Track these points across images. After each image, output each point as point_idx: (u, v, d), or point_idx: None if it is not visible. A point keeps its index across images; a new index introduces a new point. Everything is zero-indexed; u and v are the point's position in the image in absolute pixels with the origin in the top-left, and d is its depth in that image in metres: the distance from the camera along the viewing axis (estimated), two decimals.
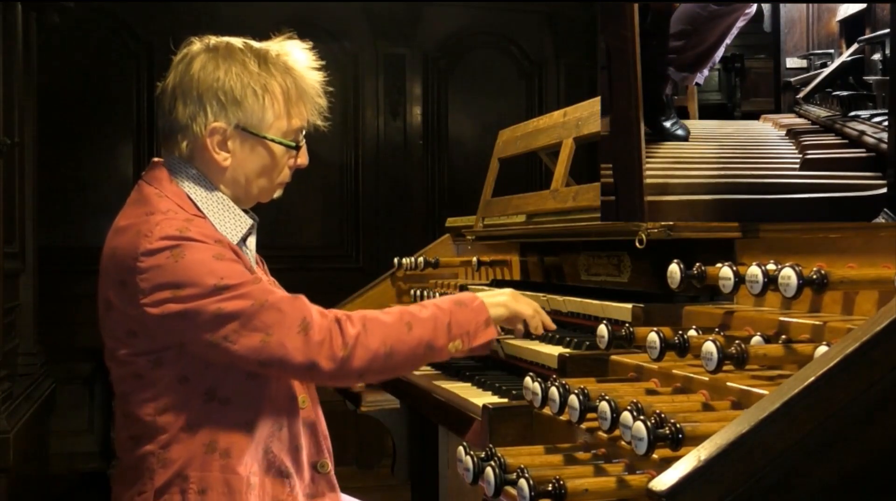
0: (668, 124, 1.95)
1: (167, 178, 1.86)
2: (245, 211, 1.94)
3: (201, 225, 1.80)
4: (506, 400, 1.94)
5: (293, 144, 1.91)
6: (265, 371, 1.80)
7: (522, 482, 1.34)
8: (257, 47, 1.90)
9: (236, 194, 1.91)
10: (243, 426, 1.83)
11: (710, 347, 1.41)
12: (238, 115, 1.84)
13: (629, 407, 1.35)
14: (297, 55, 1.93)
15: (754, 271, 1.48)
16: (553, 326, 2.13)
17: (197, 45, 1.89)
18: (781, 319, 1.56)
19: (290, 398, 1.91)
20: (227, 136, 1.84)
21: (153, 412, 1.80)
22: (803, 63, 1.86)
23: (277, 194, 1.99)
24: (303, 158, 1.96)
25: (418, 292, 2.97)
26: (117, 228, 1.83)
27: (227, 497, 1.79)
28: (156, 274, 1.72)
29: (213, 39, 1.89)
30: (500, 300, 2.02)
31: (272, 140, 1.88)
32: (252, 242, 1.98)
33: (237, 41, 1.90)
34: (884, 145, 1.58)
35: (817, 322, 1.48)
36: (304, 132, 1.95)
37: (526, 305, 2.07)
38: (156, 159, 1.92)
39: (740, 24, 1.94)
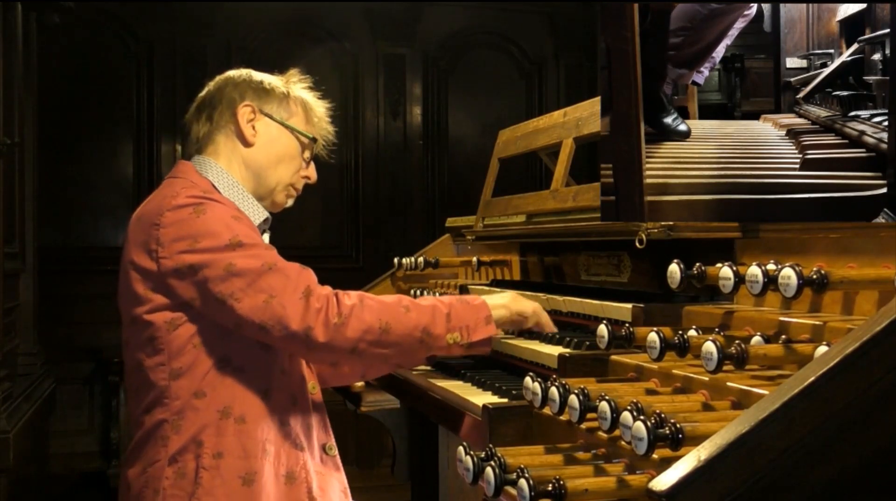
0: (669, 121, 1.95)
1: (191, 170, 2.00)
2: None
3: (223, 199, 1.94)
4: (506, 400, 1.93)
5: (311, 135, 2.11)
6: (262, 337, 1.85)
7: (522, 482, 1.34)
8: (281, 76, 2.14)
9: (255, 184, 2.05)
10: (258, 394, 1.88)
11: (710, 347, 1.41)
12: (268, 105, 2.06)
13: (629, 407, 1.35)
14: (312, 93, 2.17)
15: (754, 271, 1.48)
16: (553, 328, 2.15)
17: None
18: (781, 319, 1.56)
19: (302, 377, 1.98)
20: (257, 117, 2.05)
21: (167, 376, 1.84)
22: (803, 63, 1.86)
23: (289, 201, 2.14)
24: (312, 172, 2.15)
25: (418, 292, 2.96)
26: (144, 203, 1.96)
27: (242, 462, 1.83)
28: (176, 228, 1.82)
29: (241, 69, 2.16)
30: (502, 302, 2.09)
31: (293, 129, 2.08)
32: (266, 239, 2.06)
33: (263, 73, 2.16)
34: (884, 145, 1.58)
35: (817, 322, 1.48)
36: (317, 139, 2.14)
37: (527, 305, 2.13)
38: (181, 160, 2.08)
39: (739, 24, 1.94)
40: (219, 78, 2.12)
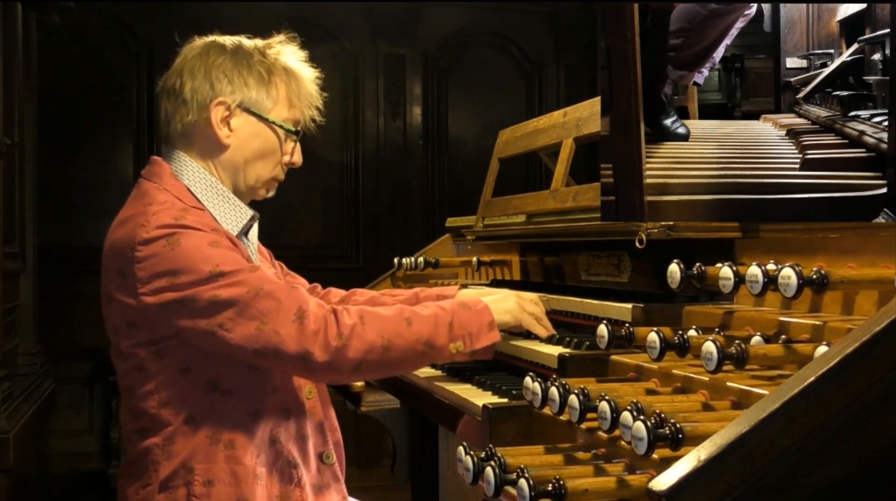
0: (668, 122, 1.96)
1: (167, 173, 1.89)
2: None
3: (199, 215, 1.83)
4: (506, 400, 1.93)
5: (293, 128, 1.96)
6: (260, 362, 1.80)
7: (522, 482, 1.34)
8: (261, 43, 1.97)
9: (234, 182, 1.94)
10: (247, 417, 1.83)
11: (710, 347, 1.41)
12: (243, 93, 1.90)
13: (629, 407, 1.35)
14: (297, 57, 1.99)
15: (754, 271, 1.48)
16: (552, 331, 2.13)
17: (200, 40, 1.96)
18: (781, 319, 1.56)
19: (296, 388, 1.92)
20: (231, 113, 1.89)
21: (156, 404, 1.80)
22: (803, 63, 1.86)
23: (270, 192, 2.02)
24: (297, 157, 2.00)
25: None
26: (117, 222, 1.85)
27: (233, 489, 1.79)
28: (153, 263, 1.74)
29: (217, 36, 1.97)
30: (507, 307, 2.02)
31: (273, 122, 1.93)
32: (254, 235, 2.00)
33: (241, 38, 1.97)
34: (884, 145, 1.58)
35: (817, 322, 1.48)
36: (300, 130, 1.99)
37: (529, 313, 2.07)
38: (155, 157, 1.95)
39: (739, 24, 1.94)
40: (191, 55, 1.92)
